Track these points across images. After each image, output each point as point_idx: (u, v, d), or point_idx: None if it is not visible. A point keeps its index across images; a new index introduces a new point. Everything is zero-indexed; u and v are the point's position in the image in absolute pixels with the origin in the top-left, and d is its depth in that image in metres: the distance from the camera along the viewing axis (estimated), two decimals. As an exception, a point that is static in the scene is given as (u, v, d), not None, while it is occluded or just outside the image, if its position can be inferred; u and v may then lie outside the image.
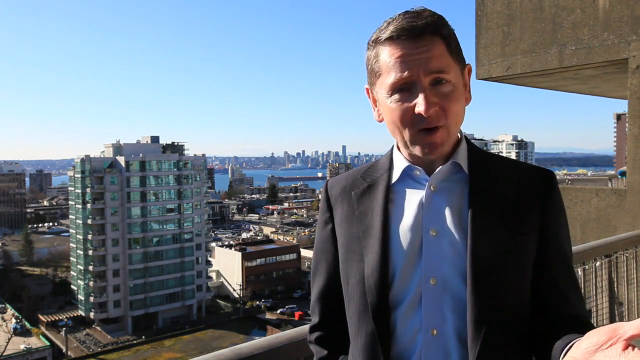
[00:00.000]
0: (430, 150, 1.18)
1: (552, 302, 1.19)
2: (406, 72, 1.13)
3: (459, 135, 1.27)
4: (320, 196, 1.52)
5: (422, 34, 1.13)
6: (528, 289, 1.19)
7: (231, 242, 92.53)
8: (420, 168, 1.25)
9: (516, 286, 1.17)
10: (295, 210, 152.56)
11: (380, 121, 1.27)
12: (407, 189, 1.27)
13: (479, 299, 1.13)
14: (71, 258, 76.19)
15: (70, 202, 79.31)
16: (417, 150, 1.19)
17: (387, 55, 1.16)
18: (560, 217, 1.23)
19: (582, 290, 3.55)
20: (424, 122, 1.15)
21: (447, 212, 1.20)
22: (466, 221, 1.18)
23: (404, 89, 1.15)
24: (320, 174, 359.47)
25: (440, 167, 1.23)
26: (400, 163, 1.29)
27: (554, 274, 1.20)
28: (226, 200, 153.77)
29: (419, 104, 1.13)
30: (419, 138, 1.17)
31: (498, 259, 1.15)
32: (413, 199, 1.25)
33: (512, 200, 1.20)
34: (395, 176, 1.29)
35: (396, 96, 1.16)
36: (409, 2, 1.25)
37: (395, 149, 1.33)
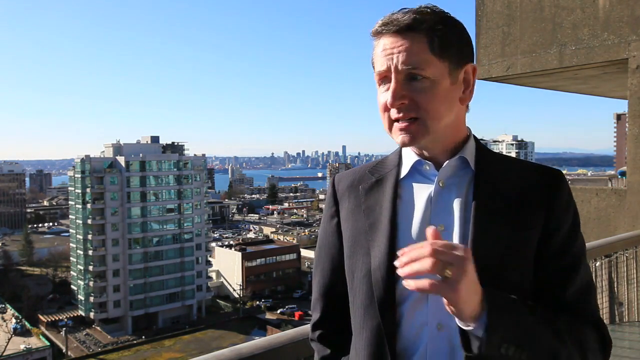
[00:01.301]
0: (406, 140, 1.20)
1: (545, 298, 1.18)
2: (384, 66, 1.19)
3: (467, 133, 1.29)
4: (320, 196, 1.51)
5: (400, 30, 1.17)
6: (529, 285, 1.18)
7: (231, 242, 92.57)
8: (429, 163, 1.26)
9: (516, 281, 1.16)
10: (295, 211, 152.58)
11: None
12: (415, 184, 1.28)
13: None
14: (71, 258, 76.20)
15: (70, 202, 79.29)
16: (396, 138, 1.23)
17: (377, 49, 1.23)
18: (565, 216, 1.21)
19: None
20: (394, 114, 1.20)
21: (455, 208, 1.21)
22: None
23: (385, 82, 1.21)
24: (320, 174, 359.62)
25: (448, 161, 1.24)
26: (409, 158, 1.30)
27: (553, 270, 1.19)
28: (226, 200, 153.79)
29: (387, 96, 1.19)
30: (392, 127, 1.22)
31: (498, 253, 1.15)
32: (421, 194, 1.25)
33: (517, 197, 1.20)
34: (404, 171, 1.30)
35: (381, 87, 1.22)
36: (411, 2, 1.27)
37: None
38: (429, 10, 1.20)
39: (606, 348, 1.18)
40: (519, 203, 1.20)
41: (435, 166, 1.26)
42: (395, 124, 1.21)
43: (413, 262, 0.97)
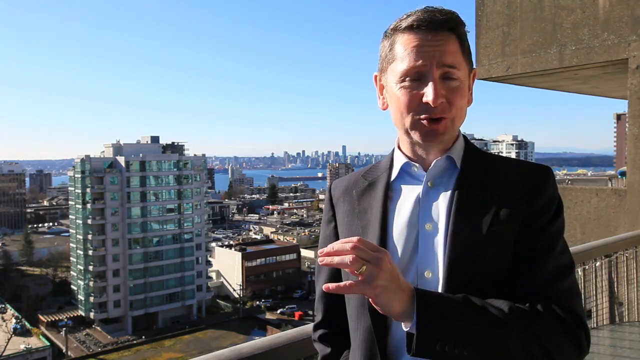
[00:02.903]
0: (430, 137, 1.21)
1: (515, 287, 1.17)
2: (420, 61, 1.17)
3: (457, 133, 1.31)
4: (320, 196, 1.52)
5: (440, 28, 1.18)
6: (507, 277, 1.18)
7: (231, 242, 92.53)
8: (417, 164, 1.29)
9: (495, 273, 1.17)
10: (295, 211, 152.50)
11: (384, 109, 1.31)
12: (405, 186, 1.31)
13: (453, 287, 1.14)
14: (71, 258, 76.13)
15: (70, 202, 79.23)
16: (416, 136, 1.22)
17: (404, 43, 1.20)
18: (546, 209, 1.21)
19: (582, 290, 3.54)
20: (429, 112, 1.18)
21: (442, 207, 1.23)
22: None
23: (414, 78, 1.19)
24: (320, 174, 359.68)
25: (435, 161, 1.26)
26: (399, 161, 1.32)
27: (523, 259, 1.18)
28: (226, 200, 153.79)
29: (428, 94, 1.16)
30: (420, 124, 1.21)
31: (476, 246, 1.16)
32: (410, 195, 1.28)
33: (500, 192, 1.21)
34: (394, 174, 1.33)
35: (406, 83, 1.20)
36: (412, 3, 1.27)
37: (396, 148, 1.36)
38: (454, 12, 1.22)
39: (572, 335, 1.12)
40: (501, 198, 1.20)
41: (424, 167, 1.28)
42: (424, 121, 1.20)
43: (334, 255, 1.01)
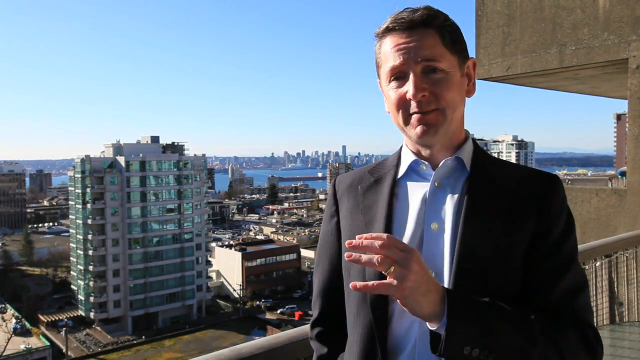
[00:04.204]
0: (424, 130, 1.21)
1: (531, 299, 1.18)
2: (399, 61, 1.21)
3: (465, 134, 1.32)
4: (320, 196, 1.51)
5: (414, 26, 1.21)
6: (517, 285, 1.19)
7: (231, 242, 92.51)
8: (426, 163, 1.29)
9: (504, 281, 1.17)
10: (295, 211, 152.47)
11: (389, 112, 1.32)
12: (412, 183, 1.30)
13: (461, 287, 1.14)
14: (71, 258, 76.15)
15: (70, 202, 79.28)
16: (412, 132, 1.24)
17: (385, 46, 1.25)
18: (558, 220, 1.22)
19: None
20: (415, 107, 1.20)
21: (449, 207, 1.23)
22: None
23: (399, 77, 1.22)
24: (320, 174, 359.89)
25: (444, 161, 1.26)
26: (407, 158, 1.32)
27: (541, 272, 1.19)
28: (226, 200, 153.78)
29: (409, 90, 1.19)
30: (410, 121, 1.23)
31: (486, 254, 1.16)
32: (417, 193, 1.28)
33: (510, 199, 1.22)
34: (402, 171, 1.33)
35: (393, 84, 1.24)
36: (411, 3, 1.29)
37: (404, 146, 1.36)
38: (432, 8, 1.25)
39: (591, 350, 1.15)
40: (512, 205, 1.21)
41: (433, 166, 1.28)
42: (413, 116, 1.22)
43: (363, 249, 1.00)
